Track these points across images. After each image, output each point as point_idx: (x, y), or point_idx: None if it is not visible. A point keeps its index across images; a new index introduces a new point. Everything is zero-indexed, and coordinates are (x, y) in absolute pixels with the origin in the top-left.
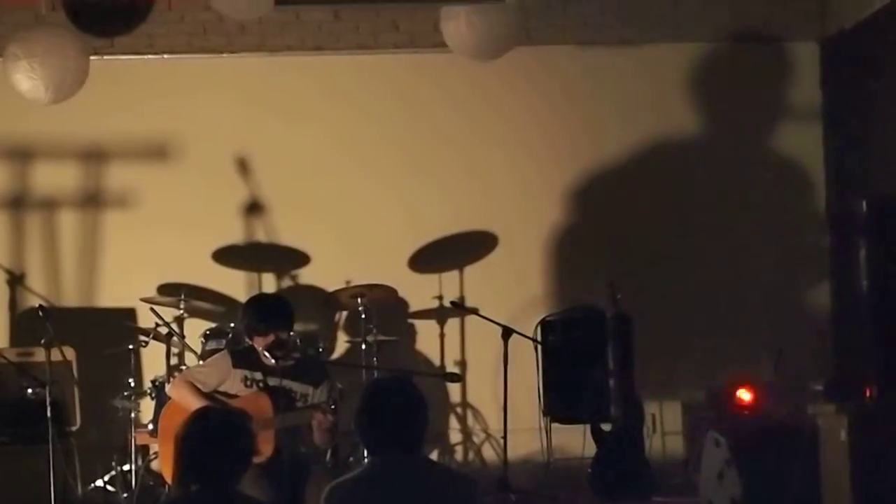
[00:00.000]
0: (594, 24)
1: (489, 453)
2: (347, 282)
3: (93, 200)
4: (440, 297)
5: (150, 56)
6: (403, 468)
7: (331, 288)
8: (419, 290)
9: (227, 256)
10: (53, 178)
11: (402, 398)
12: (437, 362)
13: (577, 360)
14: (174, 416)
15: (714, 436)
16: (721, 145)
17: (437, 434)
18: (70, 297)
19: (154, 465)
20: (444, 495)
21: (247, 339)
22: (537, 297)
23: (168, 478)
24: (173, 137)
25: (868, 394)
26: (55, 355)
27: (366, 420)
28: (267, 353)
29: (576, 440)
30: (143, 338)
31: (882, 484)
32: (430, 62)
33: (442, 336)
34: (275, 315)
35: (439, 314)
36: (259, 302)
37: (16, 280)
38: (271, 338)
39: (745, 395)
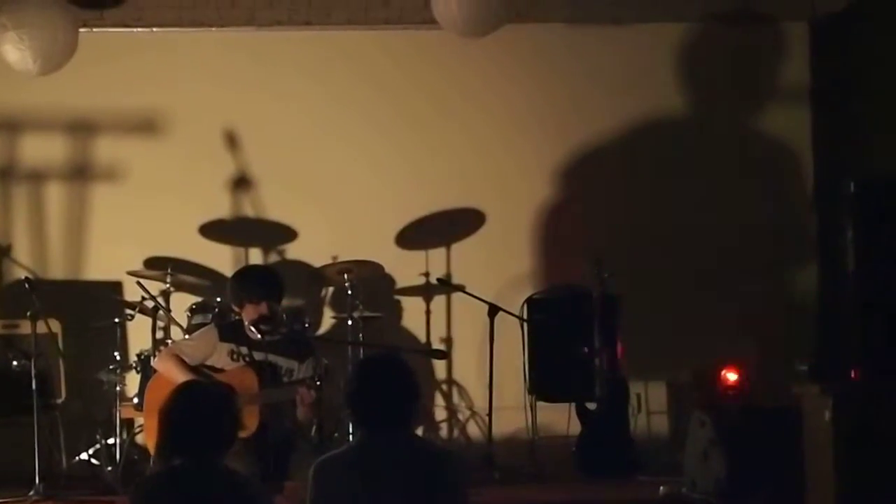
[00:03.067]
0: (583, 2)
1: (474, 431)
2: (334, 257)
3: (80, 173)
4: (427, 274)
5: (139, 29)
6: (392, 445)
7: (317, 263)
8: (406, 267)
9: (214, 231)
10: (41, 150)
11: (396, 376)
12: (422, 339)
13: (563, 338)
14: (160, 390)
15: (699, 416)
16: (709, 125)
17: (422, 411)
18: (56, 270)
19: (139, 438)
20: (430, 472)
21: (235, 309)
22: (524, 276)
23: (153, 451)
24: (161, 111)
25: (852, 375)
26: (41, 328)
27: (358, 396)
28: (253, 328)
29: (561, 419)
30: (129, 311)
31: (866, 465)
32: (419, 38)
33: (428, 313)
34: (268, 283)
35: (426, 291)
36: (252, 271)
37: (2, 252)
38: (263, 307)
39: (730, 375)
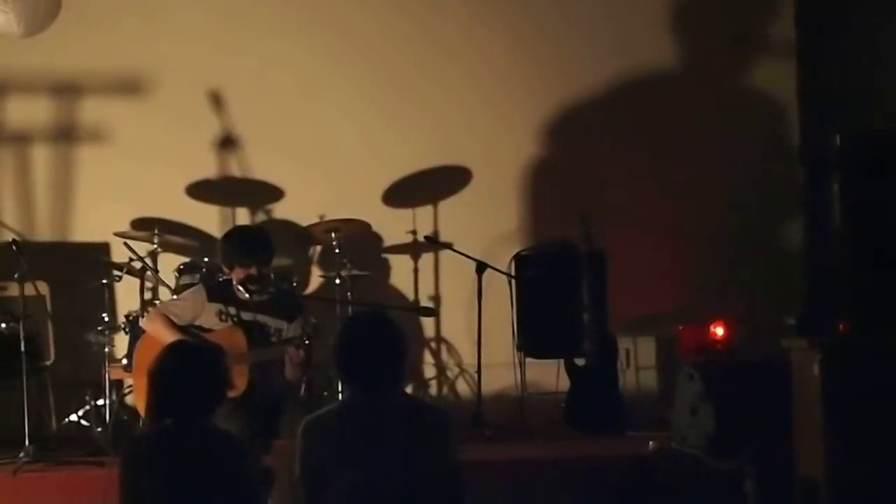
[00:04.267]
0: None
1: (463, 388)
2: (321, 216)
3: (66, 134)
4: (414, 232)
5: None
6: (380, 403)
7: (305, 223)
8: (393, 225)
9: (200, 191)
10: (26, 112)
11: (382, 334)
12: (411, 297)
13: (551, 294)
14: (149, 350)
15: (688, 371)
16: (695, 80)
17: (411, 369)
18: (43, 232)
19: (128, 399)
20: (420, 430)
21: (225, 271)
22: (511, 232)
23: (142, 412)
24: (147, 71)
25: (840, 328)
26: (29, 290)
27: (345, 354)
28: (241, 287)
29: (550, 375)
30: (116, 272)
31: (854, 419)
32: None
33: (416, 271)
34: (259, 246)
35: (413, 249)
36: (242, 233)
37: None
38: (253, 269)
39: (718, 329)
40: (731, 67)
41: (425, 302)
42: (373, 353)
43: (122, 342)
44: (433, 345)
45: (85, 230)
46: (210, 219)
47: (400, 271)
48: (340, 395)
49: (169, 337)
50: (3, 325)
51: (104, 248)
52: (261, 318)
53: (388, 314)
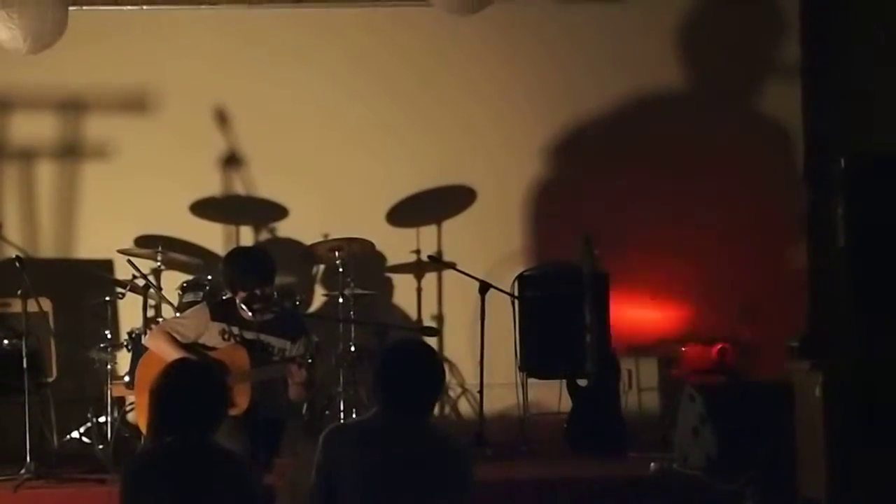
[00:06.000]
0: None
1: (465, 407)
2: (325, 235)
3: (71, 151)
4: (418, 252)
5: (129, 7)
6: (406, 428)
7: (308, 241)
8: (397, 244)
9: (204, 209)
10: (31, 128)
11: (426, 362)
12: (414, 316)
13: (554, 315)
14: (151, 368)
15: (690, 392)
16: (700, 102)
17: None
18: (47, 248)
19: (130, 416)
20: (440, 457)
21: (227, 292)
22: (515, 252)
23: (144, 429)
24: (152, 89)
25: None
26: (32, 306)
27: (388, 378)
28: (245, 307)
29: (552, 395)
30: (119, 290)
31: (856, 440)
32: (409, 16)
33: (419, 290)
34: (259, 271)
35: (417, 268)
36: (243, 256)
37: None
38: (256, 291)
39: (720, 351)
40: (736, 89)
41: (428, 321)
42: (415, 379)
43: (124, 359)
44: None
45: (88, 247)
46: (214, 237)
47: (403, 291)
48: (342, 414)
49: (172, 354)
50: (6, 342)
51: (107, 265)
52: (264, 337)
53: (430, 345)
